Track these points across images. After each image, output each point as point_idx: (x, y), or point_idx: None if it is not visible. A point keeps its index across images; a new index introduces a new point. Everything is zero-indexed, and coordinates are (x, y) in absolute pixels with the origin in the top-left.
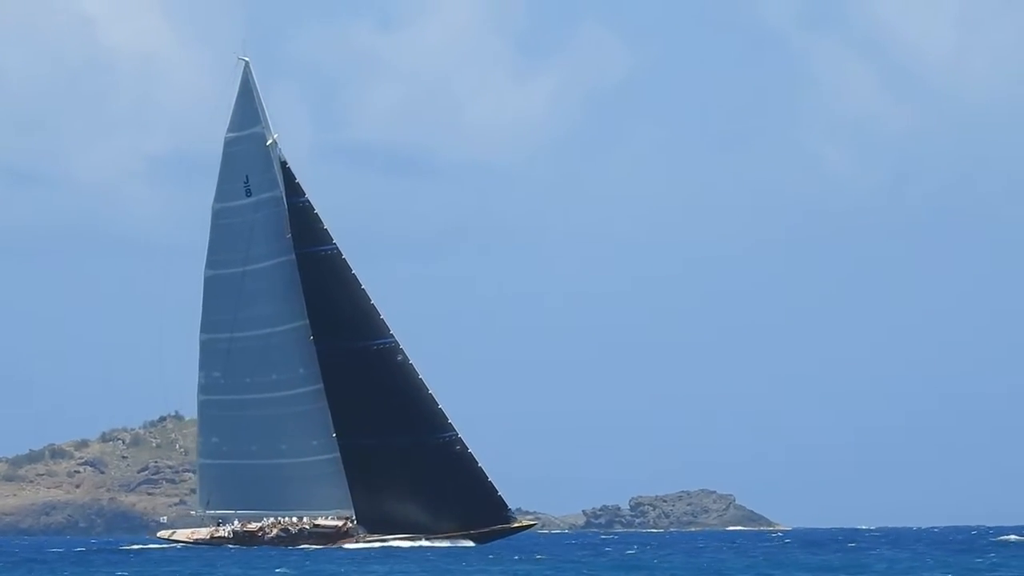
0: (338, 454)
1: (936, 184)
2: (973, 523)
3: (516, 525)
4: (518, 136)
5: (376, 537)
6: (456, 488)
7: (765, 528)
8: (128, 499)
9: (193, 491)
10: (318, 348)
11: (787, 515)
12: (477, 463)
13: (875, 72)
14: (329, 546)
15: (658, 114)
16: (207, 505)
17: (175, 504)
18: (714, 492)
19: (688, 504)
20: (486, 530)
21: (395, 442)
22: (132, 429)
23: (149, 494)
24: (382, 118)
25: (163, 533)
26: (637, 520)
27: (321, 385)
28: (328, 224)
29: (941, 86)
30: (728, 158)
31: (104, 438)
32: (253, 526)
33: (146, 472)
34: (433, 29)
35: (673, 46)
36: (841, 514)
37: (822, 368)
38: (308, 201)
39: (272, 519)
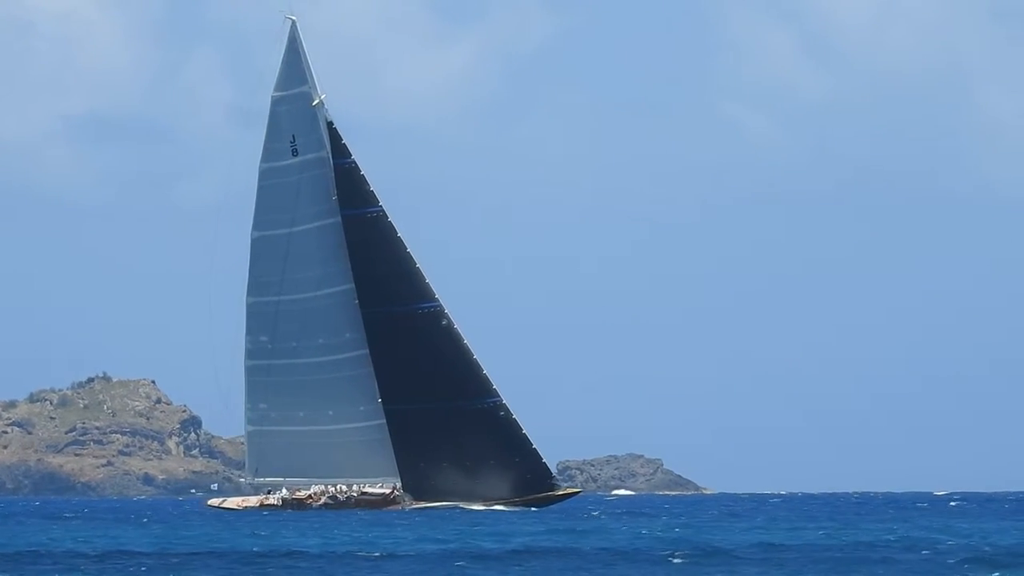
0: (384, 420)
1: (855, 150)
2: (914, 488)
3: (561, 492)
4: (438, 100)
5: (423, 504)
6: (500, 454)
7: (692, 492)
8: (56, 460)
9: (121, 452)
10: (363, 312)
11: (712, 480)
12: (522, 429)
13: (794, 39)
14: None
15: (577, 79)
16: (255, 473)
17: (103, 465)
18: (642, 456)
19: (616, 468)
20: (531, 497)
21: (440, 407)
22: (60, 390)
23: (77, 455)
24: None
25: (213, 501)
26: (564, 484)
27: (367, 350)
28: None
29: (859, 54)
30: (647, 123)
31: (32, 399)
32: (302, 494)
33: (74, 433)
34: None
35: (593, 11)
36: (762, 479)
37: (748, 333)
38: (354, 162)
39: (320, 487)
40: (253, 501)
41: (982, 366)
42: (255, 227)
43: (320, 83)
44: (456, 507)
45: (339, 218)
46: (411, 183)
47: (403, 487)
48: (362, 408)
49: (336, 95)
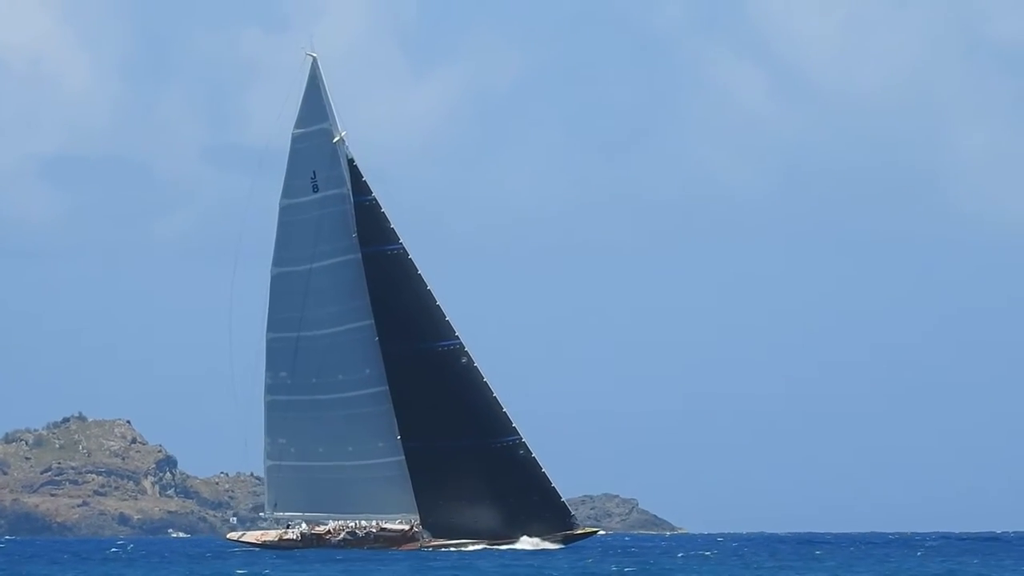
0: (403, 457)
1: (825, 187)
2: (891, 529)
3: (580, 532)
4: (409, 139)
5: (441, 542)
6: (519, 493)
7: (669, 532)
8: (31, 500)
9: (96, 492)
10: (383, 349)
11: (689, 520)
12: (541, 468)
13: (763, 77)
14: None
15: (548, 118)
16: (275, 508)
17: (78, 505)
18: (617, 496)
19: (591, 508)
20: (549, 536)
21: (458, 445)
22: (35, 430)
23: (52, 495)
24: (272, 121)
25: (232, 535)
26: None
27: (387, 387)
28: (395, 223)
29: (830, 91)
30: (617, 161)
31: (7, 439)
32: (321, 529)
33: (49, 473)
34: (321, 32)
35: (563, 50)
36: (739, 518)
37: (719, 370)
38: (375, 199)
39: (339, 522)
40: (272, 536)
41: (963, 403)
42: (275, 263)
43: (288, 123)
44: (474, 545)
45: (359, 255)
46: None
47: (422, 524)
48: (381, 444)
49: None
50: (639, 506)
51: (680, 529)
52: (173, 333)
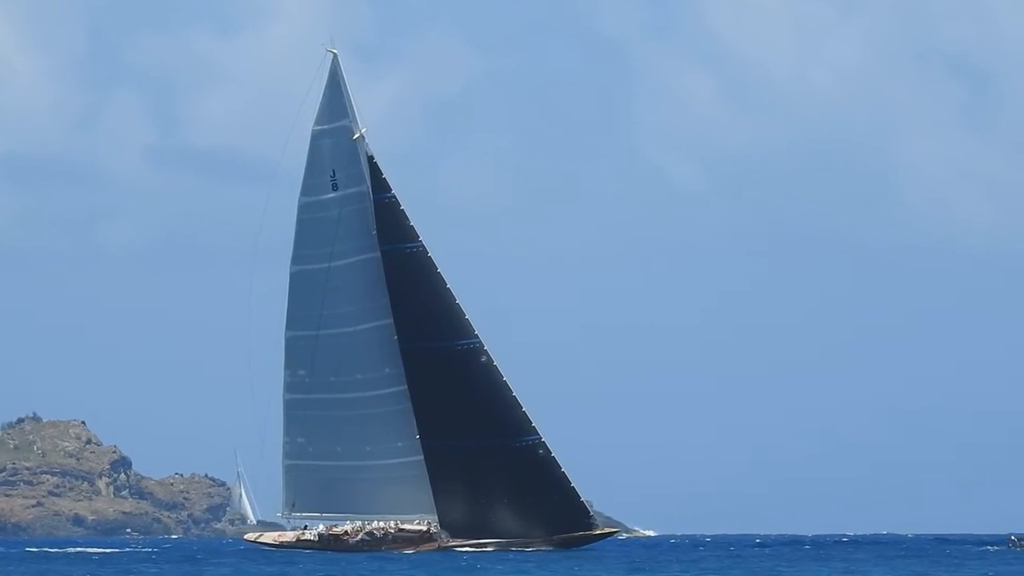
0: (422, 456)
1: (777, 195)
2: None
3: (599, 532)
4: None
5: (459, 542)
6: (539, 493)
7: (625, 534)
8: None
9: (51, 492)
10: (402, 347)
11: (650, 522)
12: (560, 468)
13: (714, 80)
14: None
15: (499, 123)
16: (292, 508)
17: (33, 506)
18: None
19: None
20: (568, 536)
21: (478, 445)
22: None
23: (7, 496)
24: (220, 124)
25: (249, 536)
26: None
27: (405, 386)
28: (415, 221)
29: (780, 94)
30: (569, 168)
31: None
32: (338, 530)
33: (4, 474)
34: (273, 35)
35: (516, 55)
36: (700, 521)
37: (678, 372)
38: (395, 197)
39: (357, 523)
40: (290, 536)
41: (906, 402)
42: (294, 261)
43: (238, 126)
44: (492, 545)
45: (379, 253)
46: None
47: (440, 525)
48: (400, 444)
49: (253, 137)
50: (594, 507)
51: (635, 531)
52: (126, 334)
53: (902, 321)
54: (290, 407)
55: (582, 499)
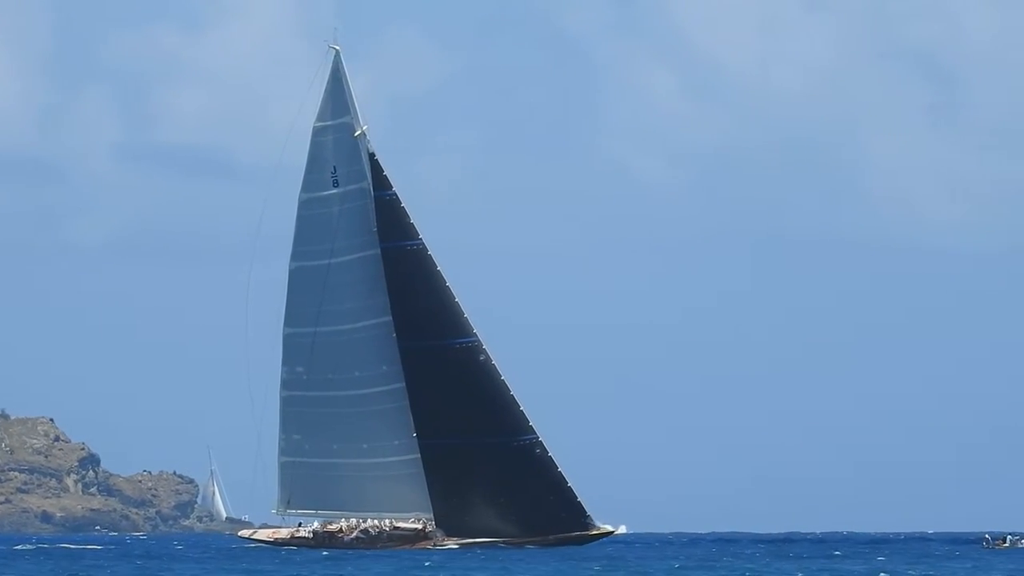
0: (418, 455)
1: (742, 192)
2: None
3: (595, 532)
4: None
5: (455, 540)
6: (535, 492)
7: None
8: None
9: (19, 489)
10: (400, 345)
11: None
12: (557, 467)
13: (680, 77)
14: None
15: (466, 120)
16: (288, 505)
17: (1, 503)
18: None
19: None
20: (564, 536)
21: (475, 443)
22: None
23: None
24: (188, 120)
25: (244, 533)
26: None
27: (403, 383)
28: (415, 219)
29: (746, 91)
30: (536, 165)
31: None
32: (334, 527)
33: None
34: (240, 31)
35: (482, 53)
36: (666, 518)
37: (630, 370)
38: (395, 194)
39: (352, 520)
40: (284, 533)
41: (872, 400)
42: (293, 257)
43: (205, 122)
44: (489, 544)
45: (378, 250)
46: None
47: (436, 523)
48: (397, 442)
49: (221, 133)
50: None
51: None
52: (94, 331)
53: (865, 318)
54: (287, 404)
55: (578, 499)
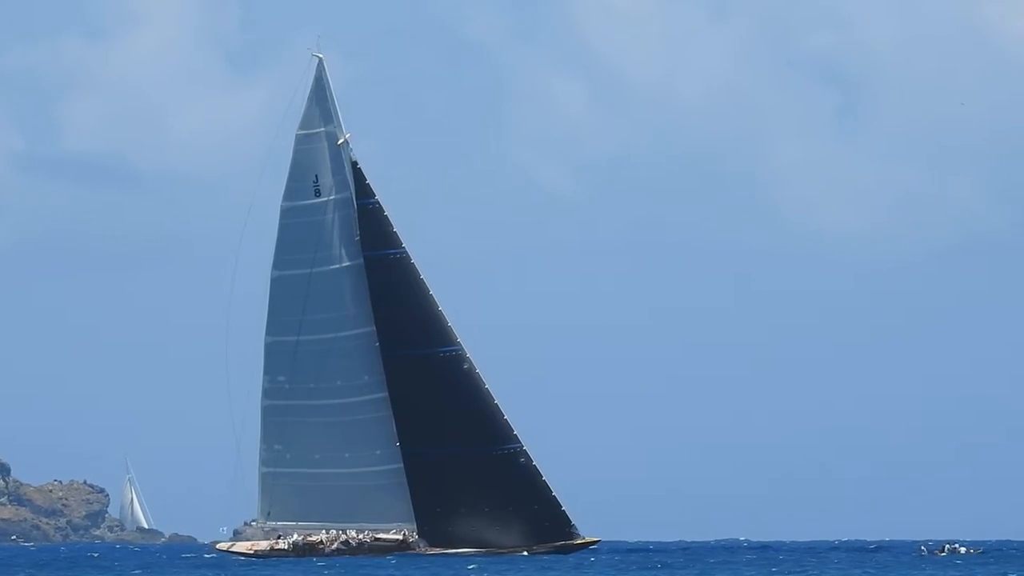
0: (401, 464)
1: (646, 201)
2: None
3: (580, 542)
4: (225, 148)
5: (438, 551)
6: (519, 501)
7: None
8: None
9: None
10: (384, 354)
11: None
12: (541, 476)
13: (583, 85)
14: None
15: (368, 128)
16: (268, 516)
17: None
18: None
19: None
20: (548, 546)
21: (458, 452)
22: None
23: None
24: (88, 129)
25: (222, 545)
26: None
27: (386, 393)
28: (399, 228)
29: (649, 100)
30: (440, 172)
31: None
32: (314, 539)
33: None
34: (142, 40)
35: (383, 60)
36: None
37: (577, 379)
38: (378, 203)
39: (333, 531)
40: (263, 545)
41: (794, 406)
42: (275, 266)
43: (106, 131)
44: (472, 554)
45: (361, 260)
46: (193, 231)
47: (419, 533)
48: (379, 452)
49: (121, 142)
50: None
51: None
52: (1, 339)
53: (775, 327)
54: (268, 413)
55: (563, 508)
